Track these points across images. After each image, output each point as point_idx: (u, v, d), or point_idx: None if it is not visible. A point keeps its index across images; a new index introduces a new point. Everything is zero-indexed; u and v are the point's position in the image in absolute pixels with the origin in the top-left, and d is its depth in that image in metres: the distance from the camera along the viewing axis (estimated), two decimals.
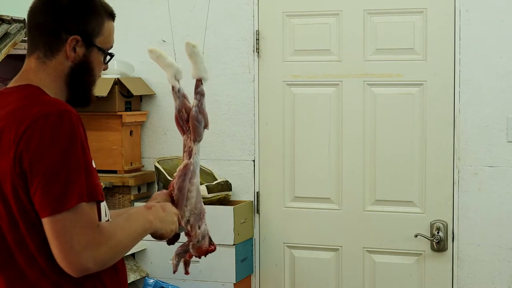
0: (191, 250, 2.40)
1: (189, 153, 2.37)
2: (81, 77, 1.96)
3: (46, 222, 1.76)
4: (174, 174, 2.40)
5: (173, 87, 2.39)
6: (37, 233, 1.80)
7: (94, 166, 1.88)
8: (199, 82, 2.41)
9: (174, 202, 2.33)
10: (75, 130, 1.79)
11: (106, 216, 1.96)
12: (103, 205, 1.94)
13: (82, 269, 1.77)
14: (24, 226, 1.82)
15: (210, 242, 2.46)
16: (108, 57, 2.02)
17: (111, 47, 2.03)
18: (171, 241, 2.34)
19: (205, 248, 2.43)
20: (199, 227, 2.39)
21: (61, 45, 1.93)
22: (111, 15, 2.04)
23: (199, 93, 2.40)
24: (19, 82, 1.94)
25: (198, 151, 2.38)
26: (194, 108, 2.38)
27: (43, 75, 1.93)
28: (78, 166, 1.78)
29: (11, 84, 1.97)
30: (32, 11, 1.96)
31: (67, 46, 1.92)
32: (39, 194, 1.75)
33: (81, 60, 1.95)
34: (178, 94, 2.39)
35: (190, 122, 2.37)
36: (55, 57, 1.93)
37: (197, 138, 2.38)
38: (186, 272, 2.45)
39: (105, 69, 2.05)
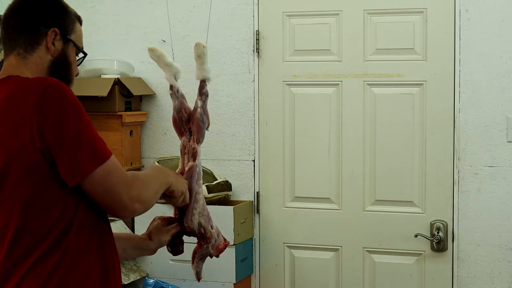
0: (211, 251, 2.40)
1: (193, 154, 2.35)
2: (61, 70, 2.05)
3: (86, 183, 1.87)
4: None
5: (172, 87, 2.38)
6: (54, 210, 1.88)
7: None
8: (203, 83, 2.40)
9: (173, 221, 2.35)
10: (74, 96, 1.91)
11: None
12: None
13: (133, 210, 1.95)
14: (36, 207, 1.88)
15: (224, 238, 2.46)
16: (81, 57, 2.12)
17: (83, 48, 2.13)
18: (175, 252, 2.35)
19: (223, 244, 2.42)
20: (211, 227, 2.38)
21: (41, 38, 2.01)
22: (79, 19, 2.15)
23: (204, 94, 2.39)
24: (2, 76, 2.01)
25: (200, 152, 2.37)
26: (199, 109, 2.36)
27: (24, 69, 2.00)
28: (92, 127, 1.92)
29: None
30: (9, 12, 2.05)
31: (48, 39, 2.02)
32: (70, 160, 1.85)
33: (60, 54, 2.04)
34: (177, 94, 2.38)
35: (195, 123, 2.35)
36: (35, 51, 2.01)
37: (200, 139, 2.37)
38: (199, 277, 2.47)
39: (77, 74, 2.13)
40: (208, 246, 2.38)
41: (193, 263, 2.43)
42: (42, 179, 1.86)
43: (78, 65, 2.13)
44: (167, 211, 2.45)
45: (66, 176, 1.86)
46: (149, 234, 2.36)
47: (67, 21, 2.06)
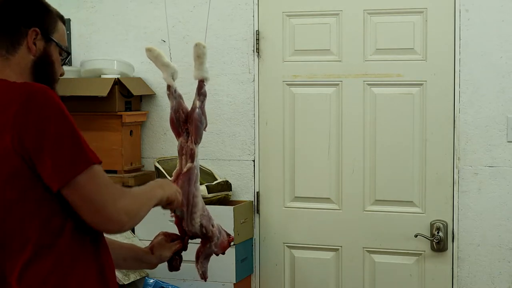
0: (215, 249, 2.40)
1: (190, 155, 2.33)
2: (44, 71, 2.03)
3: (67, 190, 1.83)
4: (171, 178, 2.37)
5: (169, 87, 2.37)
6: (40, 213, 1.85)
7: None
8: (202, 83, 2.40)
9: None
10: (60, 102, 1.87)
11: None
12: None
13: (119, 222, 1.86)
14: (23, 211, 1.85)
15: (227, 233, 2.45)
16: (64, 54, 2.09)
17: (66, 47, 2.11)
18: (172, 268, 2.35)
19: (226, 241, 2.42)
20: (212, 226, 2.38)
21: (22, 39, 1.99)
22: (62, 18, 2.12)
23: (202, 94, 2.38)
24: None
25: (198, 153, 2.36)
26: (197, 110, 2.35)
27: (8, 71, 1.98)
28: (77, 133, 1.86)
29: None
30: None
31: (28, 39, 1.99)
32: (51, 167, 1.81)
33: (42, 53, 2.02)
34: (174, 94, 2.38)
35: (193, 123, 2.34)
36: (17, 52, 1.99)
37: (198, 140, 2.36)
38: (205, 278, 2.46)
39: (62, 74, 2.11)
40: (211, 245, 2.38)
41: (197, 263, 2.42)
42: (26, 184, 1.84)
43: (63, 65, 2.11)
44: (166, 211, 2.46)
45: (48, 181, 1.83)
46: (151, 248, 2.36)
47: (48, 21, 2.05)
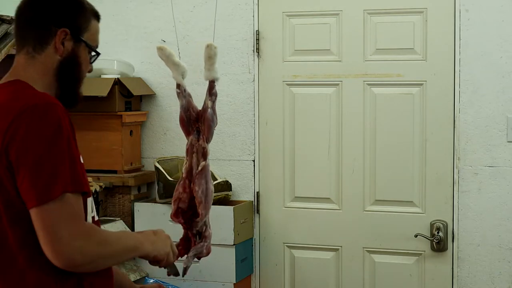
0: (204, 251, 2.41)
1: (203, 154, 2.37)
2: (69, 71, 1.98)
3: (33, 212, 1.76)
4: (182, 176, 2.39)
5: (179, 86, 2.39)
6: (20, 226, 1.80)
7: (82, 161, 1.89)
8: (213, 83, 2.43)
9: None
10: (61, 122, 1.80)
11: (92, 212, 1.96)
12: (90, 201, 1.94)
13: (70, 260, 1.75)
14: (7, 219, 1.82)
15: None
16: (94, 55, 2.04)
17: (97, 46, 2.05)
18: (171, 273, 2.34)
19: (210, 246, 2.43)
20: (210, 227, 2.40)
21: (50, 38, 1.95)
22: (96, 16, 2.06)
23: (214, 94, 2.43)
24: (8, 78, 1.97)
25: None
26: (209, 110, 2.40)
27: (32, 70, 1.95)
28: (63, 157, 1.78)
29: (1, 81, 1.99)
30: (21, 8, 2.01)
31: (57, 39, 1.95)
32: (26, 184, 1.76)
33: (70, 54, 1.97)
34: (184, 93, 2.40)
35: (205, 123, 2.38)
36: (44, 50, 1.95)
37: (210, 138, 2.39)
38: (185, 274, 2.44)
39: (90, 70, 2.07)
40: (203, 245, 2.39)
41: (183, 256, 2.41)
42: (11, 193, 1.80)
43: (91, 63, 2.05)
44: (166, 211, 2.46)
45: (24, 198, 1.78)
46: None
47: (81, 20, 1.98)
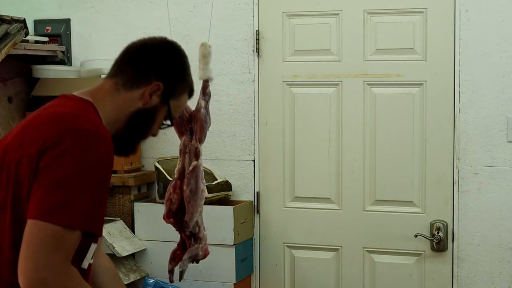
0: (200, 253, 2.40)
1: (195, 154, 2.36)
2: (141, 122, 1.97)
3: (28, 223, 1.72)
4: (174, 177, 2.39)
5: None
6: (19, 229, 1.76)
7: (106, 203, 1.85)
8: (206, 83, 2.42)
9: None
10: (104, 158, 1.77)
11: (91, 259, 1.89)
12: (94, 246, 1.87)
13: (30, 284, 1.69)
14: (11, 218, 1.80)
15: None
16: (167, 123, 2.03)
17: (174, 118, 2.03)
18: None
19: (206, 248, 2.43)
20: (204, 229, 2.39)
21: (144, 84, 1.94)
22: (191, 92, 2.06)
23: (207, 94, 2.41)
24: (86, 95, 1.95)
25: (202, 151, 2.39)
26: (202, 110, 2.38)
27: (109, 101, 1.94)
28: (89, 191, 1.73)
29: (78, 92, 1.97)
30: (135, 45, 2.05)
31: (149, 88, 1.94)
32: (38, 195, 1.72)
33: (150, 108, 1.96)
34: None
35: (198, 123, 2.37)
36: (131, 91, 1.94)
37: (203, 139, 2.38)
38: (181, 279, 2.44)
39: (154, 134, 2.04)
40: (198, 247, 2.38)
41: (176, 260, 2.40)
42: (23, 195, 1.77)
43: (161, 128, 2.04)
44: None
45: (29, 206, 1.74)
46: None
47: (178, 86, 2.00)
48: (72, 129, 1.77)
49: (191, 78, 2.04)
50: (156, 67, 1.96)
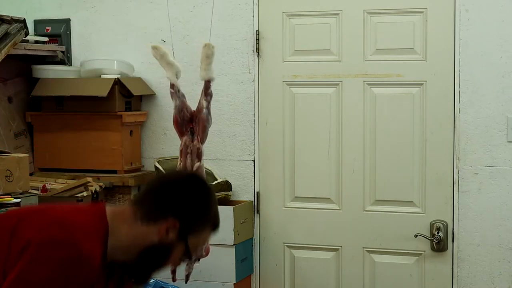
0: (203, 253, 2.40)
1: (198, 155, 2.36)
2: (154, 257, 1.93)
3: None
4: None
5: (173, 86, 2.38)
6: None
7: None
8: (208, 83, 2.41)
9: None
10: (78, 280, 1.78)
11: None
12: None
13: None
14: None
15: None
16: (187, 258, 1.98)
17: (196, 255, 2.01)
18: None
19: (208, 246, 2.43)
20: None
21: (160, 220, 1.90)
22: (215, 228, 2.01)
23: (209, 95, 2.40)
24: (111, 213, 1.93)
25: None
26: (204, 110, 2.38)
27: (125, 228, 1.91)
28: None
29: (109, 208, 1.95)
30: (160, 179, 2.05)
31: (164, 225, 1.90)
32: (8, 280, 1.75)
33: (166, 244, 1.92)
34: (178, 94, 2.39)
35: (200, 123, 2.36)
36: (148, 225, 1.91)
37: (205, 139, 2.38)
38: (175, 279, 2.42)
39: (174, 266, 2.03)
40: (202, 247, 2.38)
41: (186, 264, 2.40)
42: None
43: (179, 264, 2.01)
44: None
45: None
46: None
47: (197, 223, 1.94)
48: (48, 238, 1.78)
49: (215, 213, 1.99)
50: (173, 204, 1.92)
